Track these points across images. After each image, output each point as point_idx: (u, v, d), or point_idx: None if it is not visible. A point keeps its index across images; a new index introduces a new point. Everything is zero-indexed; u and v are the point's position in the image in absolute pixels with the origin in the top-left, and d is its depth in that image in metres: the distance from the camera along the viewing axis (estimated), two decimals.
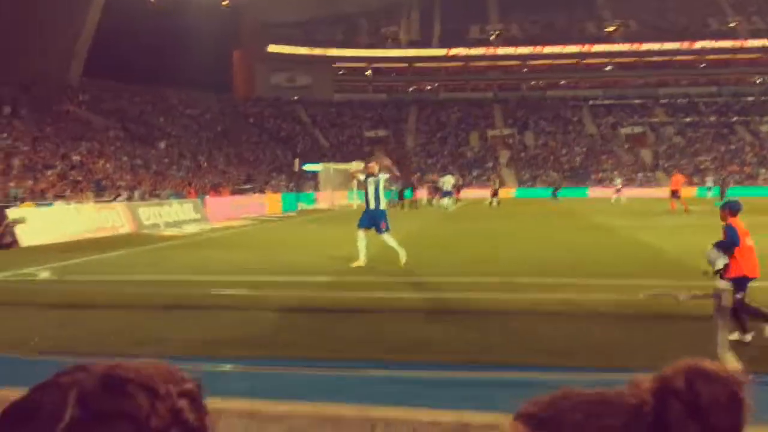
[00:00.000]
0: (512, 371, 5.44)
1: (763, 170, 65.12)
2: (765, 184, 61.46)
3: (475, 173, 67.88)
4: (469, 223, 24.87)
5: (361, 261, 12.17)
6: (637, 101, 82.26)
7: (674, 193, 29.98)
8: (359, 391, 4.94)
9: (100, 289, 10.08)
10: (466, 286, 9.73)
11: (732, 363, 3.47)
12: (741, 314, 6.24)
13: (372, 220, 12.43)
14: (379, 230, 12.36)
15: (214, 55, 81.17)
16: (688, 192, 48.38)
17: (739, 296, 6.17)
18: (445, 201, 36.25)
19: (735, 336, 6.16)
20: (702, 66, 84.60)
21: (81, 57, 54.87)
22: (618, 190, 40.67)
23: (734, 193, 45.23)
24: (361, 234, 12.40)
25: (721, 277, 6.27)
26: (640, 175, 67.64)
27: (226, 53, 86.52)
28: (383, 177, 12.75)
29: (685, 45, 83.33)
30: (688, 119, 77.26)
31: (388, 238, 12.33)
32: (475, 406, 3.85)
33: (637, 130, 76.68)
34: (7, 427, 0.66)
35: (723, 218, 6.77)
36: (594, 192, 55.68)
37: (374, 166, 12.90)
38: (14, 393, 0.71)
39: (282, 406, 3.54)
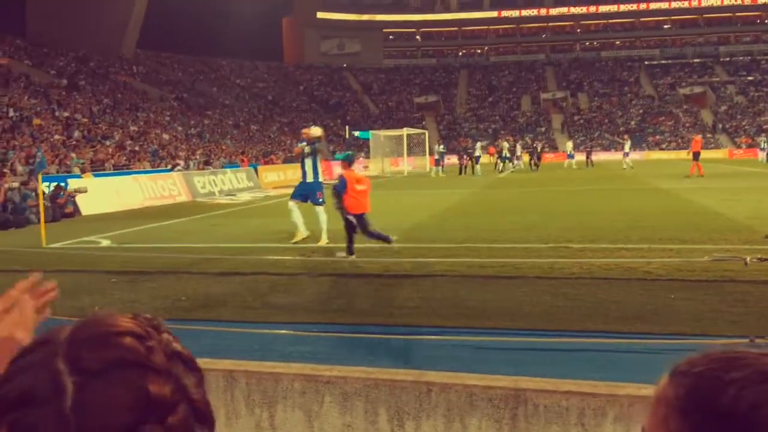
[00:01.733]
0: (568, 337, 5.38)
1: None
2: None
3: (527, 138, 66.84)
4: (518, 189, 24.57)
5: (303, 233, 11.46)
6: (696, 60, 79.42)
7: (695, 156, 28.53)
8: (414, 355, 4.95)
9: (158, 256, 10.33)
10: (519, 252, 9.63)
11: None
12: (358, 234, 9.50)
13: (309, 192, 11.56)
14: (316, 201, 11.46)
15: (264, 23, 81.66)
16: (750, 153, 46.89)
17: (353, 221, 9.43)
18: (478, 168, 37.21)
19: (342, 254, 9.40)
20: (766, 21, 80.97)
21: (135, 29, 55.69)
22: (626, 154, 38.96)
23: None
24: (293, 205, 11.58)
25: (348, 213, 9.36)
26: (700, 136, 65.60)
27: (276, 21, 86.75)
28: (320, 145, 11.79)
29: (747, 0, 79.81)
30: (750, 78, 74.28)
31: (321, 212, 11.36)
32: (530, 372, 3.81)
33: (697, 90, 74.12)
34: (13, 416, 0.61)
35: (342, 168, 9.62)
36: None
37: (316, 131, 11.85)
38: None
39: (338, 370, 3.57)
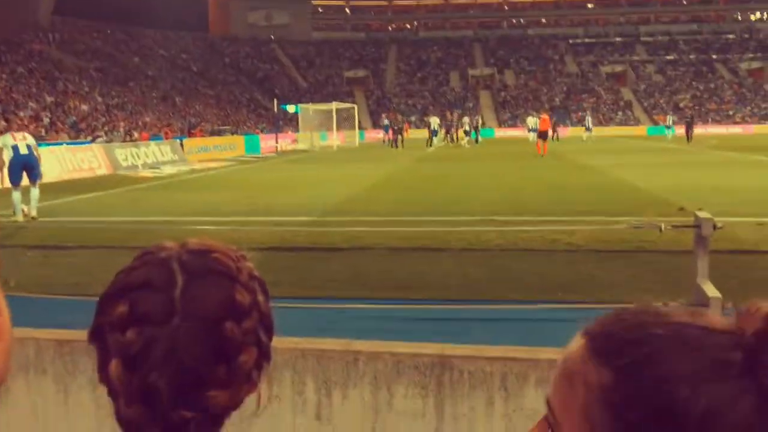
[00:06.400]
0: (492, 305, 5.49)
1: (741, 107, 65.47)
2: (742, 122, 61.88)
3: (456, 113, 67.45)
4: (448, 164, 24.84)
5: (20, 216, 11.47)
6: (618, 39, 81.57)
7: (542, 135, 27.70)
8: (342, 326, 4.97)
9: (77, 231, 9.98)
10: (446, 224, 9.75)
11: (712, 292, 3.52)
12: None
13: (27, 167, 11.73)
14: (36, 179, 11.77)
15: None
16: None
17: None
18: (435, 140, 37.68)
19: None
20: (683, 3, 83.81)
21: None
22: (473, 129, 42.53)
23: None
24: (18, 192, 11.57)
25: None
26: (619, 113, 67.68)
27: None
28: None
29: None
30: (668, 57, 76.93)
31: (36, 194, 11.66)
32: (456, 341, 3.88)
33: (618, 68, 76.31)
34: (127, 297, 0.81)
35: None
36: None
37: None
38: None
39: None
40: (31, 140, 12.10)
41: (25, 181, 11.80)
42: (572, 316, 5.08)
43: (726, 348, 0.57)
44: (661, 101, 68.63)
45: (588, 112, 50.88)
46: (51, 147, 22.67)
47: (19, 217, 11.43)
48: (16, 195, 11.58)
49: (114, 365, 0.78)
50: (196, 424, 0.78)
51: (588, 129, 43.50)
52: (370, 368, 3.37)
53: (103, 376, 0.81)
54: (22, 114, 31.07)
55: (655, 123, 63.26)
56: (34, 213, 11.52)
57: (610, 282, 6.18)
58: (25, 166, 11.75)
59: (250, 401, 0.84)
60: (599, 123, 64.19)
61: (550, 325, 4.83)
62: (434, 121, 40.97)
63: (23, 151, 11.72)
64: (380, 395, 3.54)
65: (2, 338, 1.21)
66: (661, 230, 4.09)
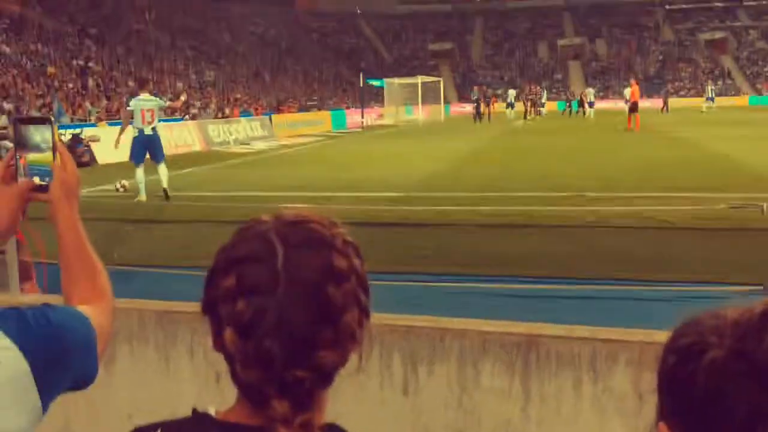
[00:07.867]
0: (581, 284, 5.40)
1: None
2: None
3: (543, 85, 65.84)
4: (535, 138, 24.35)
5: (143, 196, 11.28)
6: (718, 4, 77.24)
7: (633, 107, 25.25)
8: (430, 302, 5.01)
9: (174, 205, 10.39)
10: (534, 201, 9.60)
11: None
12: None
13: (151, 146, 11.48)
14: (161, 158, 11.49)
15: None
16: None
17: None
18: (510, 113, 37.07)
19: None
20: None
21: None
22: (591, 104, 39.98)
23: None
24: (141, 170, 11.33)
25: None
26: (719, 83, 64.36)
27: None
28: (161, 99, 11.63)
29: None
30: None
31: (164, 169, 11.39)
32: (542, 319, 3.85)
33: (718, 35, 72.35)
34: (234, 270, 0.85)
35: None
36: None
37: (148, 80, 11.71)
38: None
39: None
40: (157, 107, 11.70)
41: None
42: (666, 296, 4.94)
43: (709, 332, 0.72)
44: (766, 69, 64.78)
45: (709, 81, 48.50)
46: None
47: (142, 197, 11.19)
48: (140, 173, 11.32)
49: (228, 333, 0.83)
50: (310, 382, 0.84)
51: (710, 99, 41.28)
52: (456, 345, 3.39)
53: (218, 343, 0.86)
54: (122, 92, 32.42)
55: (758, 93, 59.82)
56: (165, 184, 11.29)
57: (707, 261, 5.95)
58: (148, 145, 11.49)
59: (352, 359, 0.89)
60: (697, 94, 61.32)
61: (643, 305, 4.72)
62: (511, 94, 40.77)
63: (148, 132, 11.53)
64: (466, 372, 3.56)
65: (105, 297, 1.31)
66: (762, 211, 3.89)
